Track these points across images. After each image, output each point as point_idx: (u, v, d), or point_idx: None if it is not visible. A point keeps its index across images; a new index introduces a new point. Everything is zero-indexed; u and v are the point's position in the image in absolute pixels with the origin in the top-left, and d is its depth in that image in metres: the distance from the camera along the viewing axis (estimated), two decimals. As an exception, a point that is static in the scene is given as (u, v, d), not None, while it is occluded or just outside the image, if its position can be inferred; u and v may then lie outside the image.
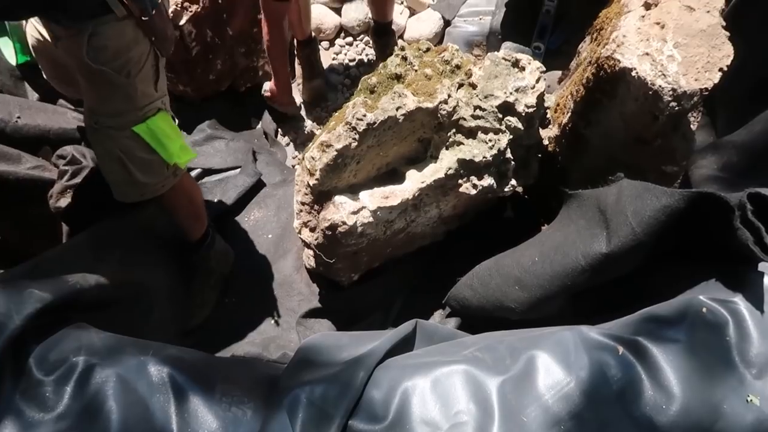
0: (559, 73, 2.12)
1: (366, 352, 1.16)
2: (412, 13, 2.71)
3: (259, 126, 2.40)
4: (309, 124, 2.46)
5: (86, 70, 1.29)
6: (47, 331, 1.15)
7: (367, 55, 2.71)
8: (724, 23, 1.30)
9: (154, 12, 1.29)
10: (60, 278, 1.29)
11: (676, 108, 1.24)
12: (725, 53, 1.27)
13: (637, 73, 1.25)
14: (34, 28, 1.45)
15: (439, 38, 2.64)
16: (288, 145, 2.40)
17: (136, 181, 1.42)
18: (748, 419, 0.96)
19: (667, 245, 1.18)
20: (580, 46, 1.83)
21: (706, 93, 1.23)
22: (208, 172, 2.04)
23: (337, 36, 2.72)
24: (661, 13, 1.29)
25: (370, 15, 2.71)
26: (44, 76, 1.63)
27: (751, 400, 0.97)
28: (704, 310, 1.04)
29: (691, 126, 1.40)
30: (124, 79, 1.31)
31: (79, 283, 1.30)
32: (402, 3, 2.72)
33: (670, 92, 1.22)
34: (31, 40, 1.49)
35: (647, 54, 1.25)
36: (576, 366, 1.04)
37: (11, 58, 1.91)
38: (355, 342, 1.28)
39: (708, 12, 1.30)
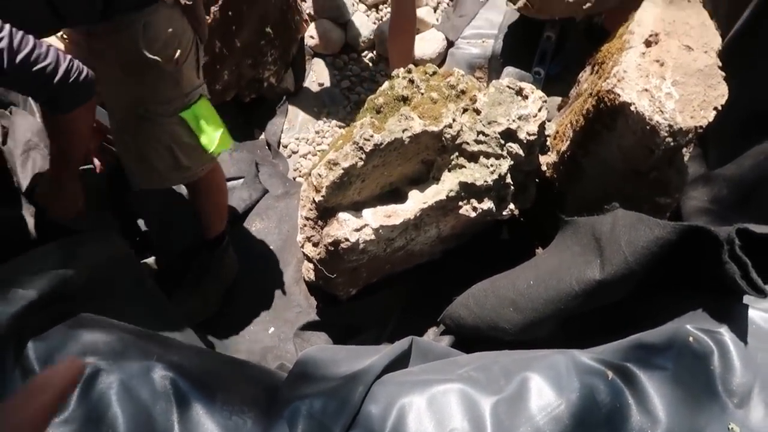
0: (558, 99, 2.18)
1: (364, 367, 1.19)
2: (417, 32, 2.76)
3: (262, 137, 2.43)
4: (311, 136, 2.50)
5: (137, 61, 1.32)
6: (47, 327, 1.17)
7: (370, 70, 2.76)
8: (720, 64, 1.36)
9: None
10: (46, 272, 1.29)
11: (672, 143, 1.29)
12: (720, 93, 1.32)
13: (635, 107, 1.30)
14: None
15: (442, 58, 2.69)
16: (290, 157, 2.44)
17: (181, 165, 1.48)
18: (730, 447, 1.00)
19: (657, 274, 1.23)
20: (580, 75, 1.89)
21: (701, 131, 1.28)
22: (211, 181, 2.07)
23: (342, 51, 2.77)
24: (661, 52, 1.35)
25: (374, 33, 2.77)
26: None
27: (732, 429, 1.01)
28: (691, 339, 1.08)
29: (685, 159, 1.46)
30: (173, 67, 1.36)
31: (68, 273, 1.30)
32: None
33: (667, 128, 1.27)
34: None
35: (646, 90, 1.30)
36: (567, 389, 1.07)
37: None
38: (352, 356, 1.32)
39: (705, 52, 1.35)
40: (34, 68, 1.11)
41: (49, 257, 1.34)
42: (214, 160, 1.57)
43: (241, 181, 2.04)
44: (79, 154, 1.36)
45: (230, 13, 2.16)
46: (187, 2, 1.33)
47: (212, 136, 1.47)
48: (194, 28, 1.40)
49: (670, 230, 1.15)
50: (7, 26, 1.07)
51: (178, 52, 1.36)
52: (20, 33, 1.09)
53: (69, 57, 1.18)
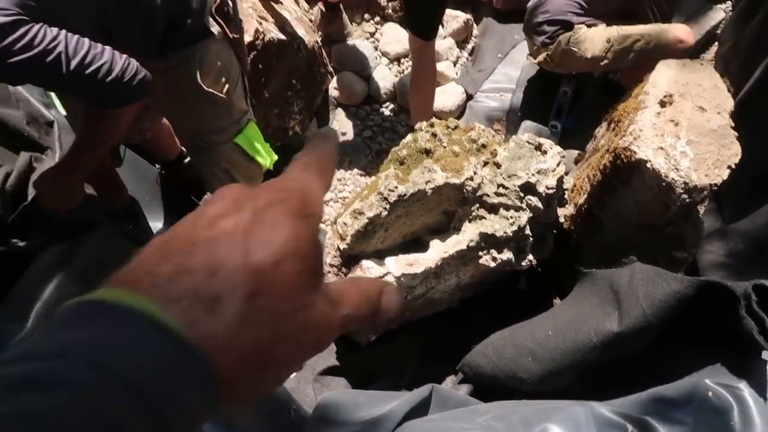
0: (574, 152, 2.24)
1: (385, 413, 1.21)
2: (437, 85, 2.86)
3: (285, 183, 2.51)
4: (333, 184, 2.58)
5: (196, 95, 1.42)
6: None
7: (391, 121, 2.86)
8: (733, 124, 1.41)
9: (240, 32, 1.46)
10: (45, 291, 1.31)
11: (687, 200, 1.33)
12: (733, 152, 1.37)
13: (651, 165, 1.35)
14: None
15: (461, 110, 2.78)
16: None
17: None
18: (751, 505, 1.00)
19: (675, 327, 1.25)
20: (596, 130, 1.95)
21: (716, 188, 1.32)
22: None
23: (364, 102, 2.88)
24: (675, 112, 1.40)
25: (395, 85, 2.87)
26: None
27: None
28: (710, 394, 1.09)
29: (700, 214, 1.49)
30: (225, 98, 1.45)
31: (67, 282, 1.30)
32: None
33: (682, 185, 1.32)
34: None
35: (662, 148, 1.35)
36: (587, 441, 1.09)
37: (62, 108, 2.04)
38: (373, 401, 1.34)
39: (718, 113, 1.41)
40: (89, 70, 1.12)
41: (48, 265, 1.33)
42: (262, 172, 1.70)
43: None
44: (104, 149, 1.35)
45: (260, 65, 2.27)
46: (235, 36, 1.43)
47: (264, 154, 1.58)
48: (239, 60, 1.50)
49: (687, 285, 1.18)
50: (63, 31, 1.10)
51: (229, 83, 1.45)
52: (75, 37, 1.11)
53: (125, 57, 1.19)
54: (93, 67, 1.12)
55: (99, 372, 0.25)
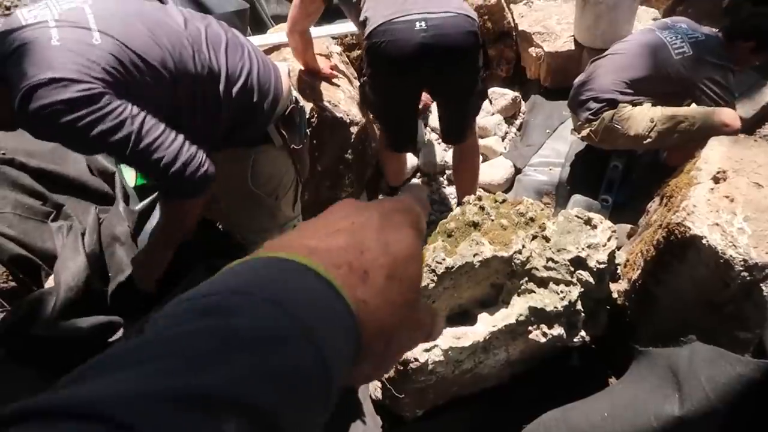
0: (627, 227, 2.20)
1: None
2: (485, 159, 2.91)
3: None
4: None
5: (242, 192, 1.46)
6: None
7: (440, 194, 2.90)
8: (792, 201, 1.37)
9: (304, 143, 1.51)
10: None
11: (748, 278, 1.28)
12: (795, 229, 1.32)
13: (707, 241, 1.31)
14: None
15: (509, 184, 2.80)
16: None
17: None
18: None
19: (744, 414, 1.17)
20: (649, 205, 1.92)
21: (778, 266, 1.27)
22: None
23: (414, 176, 2.94)
24: (730, 188, 1.38)
25: (445, 159, 2.93)
26: None
27: None
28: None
29: (764, 293, 1.43)
30: (272, 201, 1.50)
31: None
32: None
33: (741, 263, 1.27)
34: None
35: (717, 224, 1.32)
36: None
37: (131, 180, 2.18)
38: (418, 481, 1.29)
39: (776, 189, 1.37)
40: (153, 157, 1.16)
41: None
42: None
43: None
44: (173, 239, 1.39)
45: (315, 141, 2.38)
46: (295, 147, 1.48)
47: None
48: (297, 169, 1.54)
49: (753, 368, 1.12)
50: (144, 112, 1.15)
51: (279, 189, 1.49)
52: (152, 120, 1.16)
53: (192, 150, 1.21)
54: (156, 156, 1.17)
55: (273, 304, 0.29)
